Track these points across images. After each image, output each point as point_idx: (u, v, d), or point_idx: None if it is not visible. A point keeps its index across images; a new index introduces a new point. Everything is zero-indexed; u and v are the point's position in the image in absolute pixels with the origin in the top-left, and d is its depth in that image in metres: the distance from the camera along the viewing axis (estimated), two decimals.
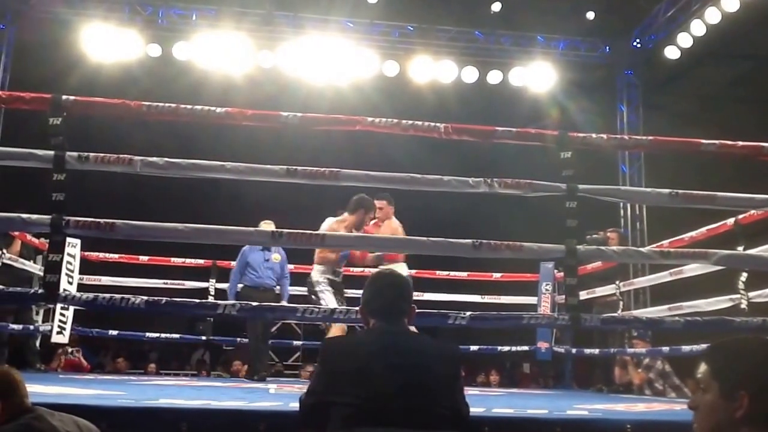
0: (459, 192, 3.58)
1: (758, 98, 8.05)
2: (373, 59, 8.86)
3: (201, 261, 7.54)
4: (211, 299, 7.09)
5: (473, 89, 9.19)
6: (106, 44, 8.39)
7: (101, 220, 3.13)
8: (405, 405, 1.94)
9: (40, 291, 3.02)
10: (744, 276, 4.79)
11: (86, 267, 7.09)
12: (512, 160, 7.43)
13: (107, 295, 3.01)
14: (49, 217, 3.06)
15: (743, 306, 4.77)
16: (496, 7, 8.68)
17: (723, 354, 1.32)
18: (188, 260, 7.49)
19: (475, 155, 8.96)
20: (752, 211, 4.65)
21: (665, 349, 5.92)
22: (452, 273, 7.66)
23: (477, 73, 9.07)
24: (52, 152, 3.17)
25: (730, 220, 4.95)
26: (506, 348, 7.58)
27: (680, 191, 3.63)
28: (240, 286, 6.35)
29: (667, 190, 3.66)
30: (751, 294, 4.76)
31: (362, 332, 2.26)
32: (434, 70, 8.93)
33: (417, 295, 6.74)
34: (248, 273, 6.27)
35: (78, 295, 3.20)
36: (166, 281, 7.15)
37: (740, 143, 3.80)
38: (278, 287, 6.35)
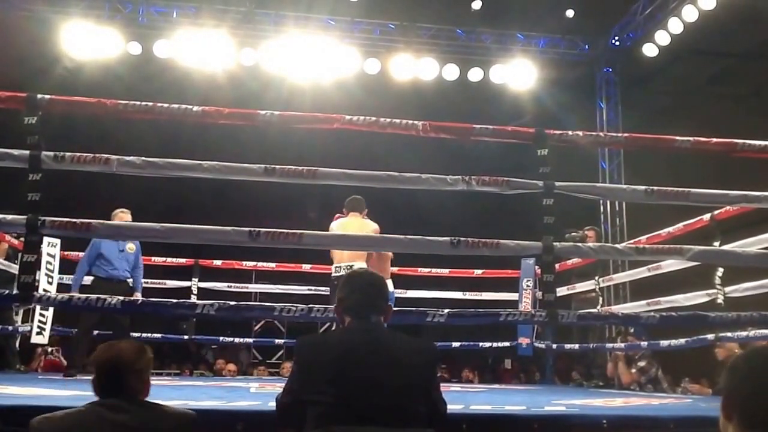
0: (438, 189, 3.60)
1: (735, 95, 8.14)
2: (355, 57, 8.86)
3: (183, 260, 7.53)
4: (193, 298, 7.07)
5: (454, 87, 9.22)
6: (86, 42, 8.32)
7: (77, 220, 3.11)
8: (381, 403, 1.95)
9: (15, 292, 3.00)
10: (720, 271, 4.86)
11: (67, 267, 7.04)
12: (500, 157, 7.44)
13: (83, 296, 3.00)
14: (25, 217, 3.04)
15: (720, 301, 4.84)
16: (476, 5, 8.71)
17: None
18: (169, 259, 7.46)
19: (462, 152, 9.01)
20: (728, 207, 4.73)
21: (644, 343, 6.00)
22: (434, 270, 7.70)
23: (458, 71, 9.10)
24: (27, 152, 3.14)
25: (706, 216, 5.02)
26: (488, 344, 7.63)
27: (655, 188, 3.67)
28: (90, 278, 5.85)
29: (642, 187, 3.70)
30: (728, 289, 4.83)
31: (337, 330, 2.27)
32: (415, 67, 8.94)
33: (399, 293, 6.86)
34: (101, 264, 5.73)
35: (53, 295, 3.18)
36: (147, 280, 7.09)
37: (714, 139, 3.85)
38: (131, 279, 5.92)
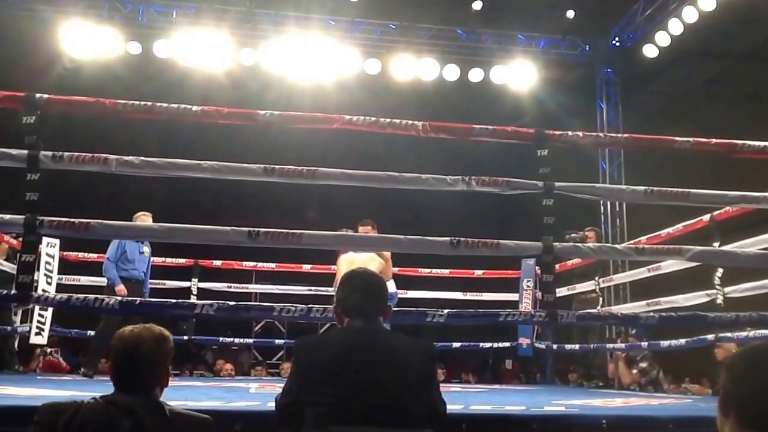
0: (438, 190, 3.60)
1: (735, 96, 8.13)
2: (355, 57, 8.85)
3: (182, 260, 7.53)
4: (193, 299, 7.06)
5: (455, 87, 9.20)
6: (85, 42, 8.31)
7: (76, 220, 3.10)
8: (380, 403, 1.94)
9: (13, 292, 2.99)
10: (720, 272, 4.86)
11: (66, 267, 7.03)
12: (502, 157, 7.43)
13: (81, 296, 2.99)
14: (23, 217, 3.03)
15: (719, 301, 4.84)
16: (477, 5, 8.70)
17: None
18: (169, 259, 7.46)
19: (463, 152, 9.01)
20: (727, 208, 4.72)
21: (644, 344, 6.00)
22: (434, 270, 7.70)
23: (458, 71, 9.09)
24: (25, 152, 3.13)
25: (706, 217, 5.02)
26: (488, 344, 7.62)
27: (655, 188, 3.66)
28: (103, 278, 5.96)
29: (642, 187, 3.70)
30: (727, 289, 4.83)
31: (337, 331, 2.25)
32: (416, 68, 8.94)
33: (400, 293, 6.85)
34: (124, 264, 5.83)
35: (51, 295, 3.18)
36: None
37: (714, 140, 3.85)
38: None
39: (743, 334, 4.71)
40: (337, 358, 2.00)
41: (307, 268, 7.74)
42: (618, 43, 9.35)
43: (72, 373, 7.31)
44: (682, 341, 5.19)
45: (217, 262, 7.59)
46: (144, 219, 5.66)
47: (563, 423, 2.87)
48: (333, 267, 7.28)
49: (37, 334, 6.41)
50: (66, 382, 4.90)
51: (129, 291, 5.55)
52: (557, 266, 5.84)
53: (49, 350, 7.52)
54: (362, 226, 5.21)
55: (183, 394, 3.81)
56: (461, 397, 3.99)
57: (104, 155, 3.26)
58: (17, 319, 6.48)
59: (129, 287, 5.68)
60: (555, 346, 7.11)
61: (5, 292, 3.11)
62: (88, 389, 3.92)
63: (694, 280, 5.10)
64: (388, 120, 3.64)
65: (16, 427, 2.26)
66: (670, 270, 5.09)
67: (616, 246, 4.51)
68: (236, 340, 8.48)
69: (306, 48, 8.61)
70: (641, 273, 5.72)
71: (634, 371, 6.32)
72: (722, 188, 3.82)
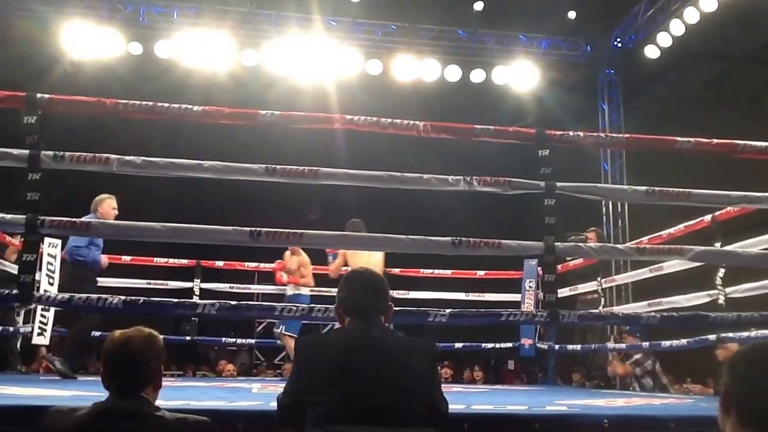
0: (440, 190, 3.60)
1: (736, 98, 8.12)
2: (357, 58, 8.86)
3: (184, 261, 7.53)
4: (195, 299, 7.06)
5: (457, 88, 9.22)
6: (86, 42, 8.32)
7: (77, 220, 3.11)
8: (381, 403, 1.95)
9: (14, 291, 2.99)
10: (721, 272, 4.85)
11: None
12: (505, 158, 7.41)
13: (83, 295, 2.99)
14: (24, 216, 3.03)
15: (720, 301, 4.84)
16: (478, 6, 8.71)
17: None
18: (171, 260, 7.46)
19: (466, 153, 9.00)
20: (729, 208, 4.72)
21: (645, 344, 5.99)
22: (436, 271, 7.69)
23: (460, 72, 9.11)
24: (26, 151, 3.14)
25: (708, 217, 5.01)
26: (490, 345, 7.61)
27: (656, 188, 3.66)
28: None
29: (643, 187, 3.69)
30: (728, 290, 4.82)
31: (337, 331, 2.26)
32: (418, 68, 8.94)
33: (401, 293, 6.86)
34: (94, 249, 5.37)
35: (53, 295, 3.18)
36: (149, 281, 7.10)
37: (715, 141, 3.84)
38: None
39: (745, 334, 4.70)
40: (338, 357, 2.01)
41: None
42: (620, 44, 9.36)
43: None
44: (684, 341, 5.19)
45: (220, 263, 7.59)
46: (109, 202, 5.39)
47: (565, 423, 2.86)
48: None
49: (39, 334, 6.40)
50: (68, 383, 4.89)
51: (94, 279, 5.36)
52: (559, 267, 5.84)
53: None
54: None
55: (185, 395, 3.81)
56: (463, 397, 3.99)
57: (105, 155, 3.26)
58: (20, 319, 6.48)
59: (94, 276, 5.44)
60: (557, 347, 7.10)
61: (7, 291, 3.11)
62: (90, 390, 3.92)
63: (696, 280, 5.09)
64: (389, 120, 3.64)
65: (18, 427, 2.26)
66: (671, 270, 5.08)
67: (618, 246, 4.52)
68: (239, 341, 8.48)
69: (307, 48, 8.62)
70: (643, 273, 5.70)
71: (628, 363, 6.32)
72: (723, 188, 3.82)
